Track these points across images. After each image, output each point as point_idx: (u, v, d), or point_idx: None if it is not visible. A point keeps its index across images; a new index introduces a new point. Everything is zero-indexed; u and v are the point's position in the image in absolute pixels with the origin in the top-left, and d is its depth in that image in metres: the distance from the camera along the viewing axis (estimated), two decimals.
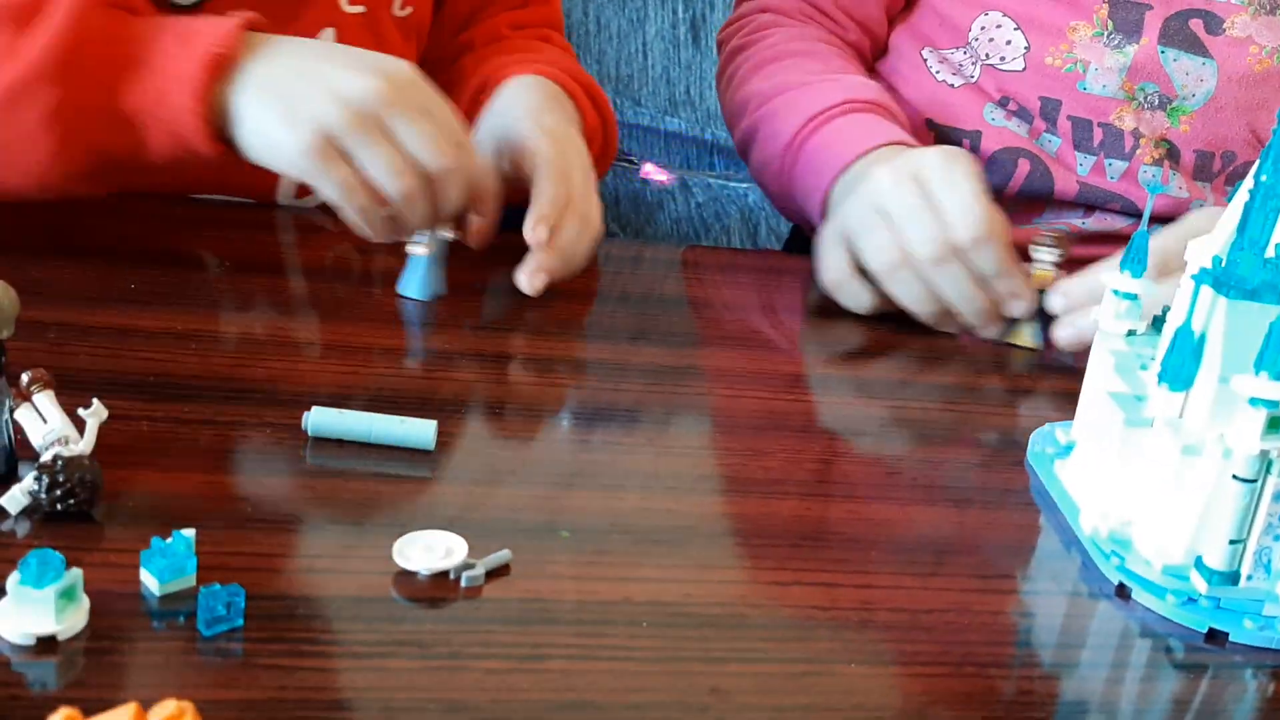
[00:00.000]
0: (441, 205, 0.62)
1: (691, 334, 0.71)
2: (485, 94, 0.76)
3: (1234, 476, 0.47)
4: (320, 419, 0.52)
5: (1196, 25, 0.84)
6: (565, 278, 0.66)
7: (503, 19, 0.91)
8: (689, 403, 0.62)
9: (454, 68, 0.88)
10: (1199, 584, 0.48)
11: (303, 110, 0.58)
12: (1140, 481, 0.51)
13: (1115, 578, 0.50)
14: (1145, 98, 0.85)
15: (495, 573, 0.45)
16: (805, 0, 0.92)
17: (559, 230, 0.65)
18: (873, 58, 0.95)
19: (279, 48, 0.60)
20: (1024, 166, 0.87)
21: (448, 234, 0.65)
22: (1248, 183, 0.50)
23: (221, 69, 0.59)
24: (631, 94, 1.68)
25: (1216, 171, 0.89)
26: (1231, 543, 0.47)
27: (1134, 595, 0.50)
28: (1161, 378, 0.51)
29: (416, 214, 0.61)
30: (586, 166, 0.70)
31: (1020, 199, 0.88)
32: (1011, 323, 0.72)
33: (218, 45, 0.58)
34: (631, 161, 1.73)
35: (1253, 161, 0.90)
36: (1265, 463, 0.46)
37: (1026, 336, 0.72)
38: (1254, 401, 0.45)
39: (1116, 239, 0.87)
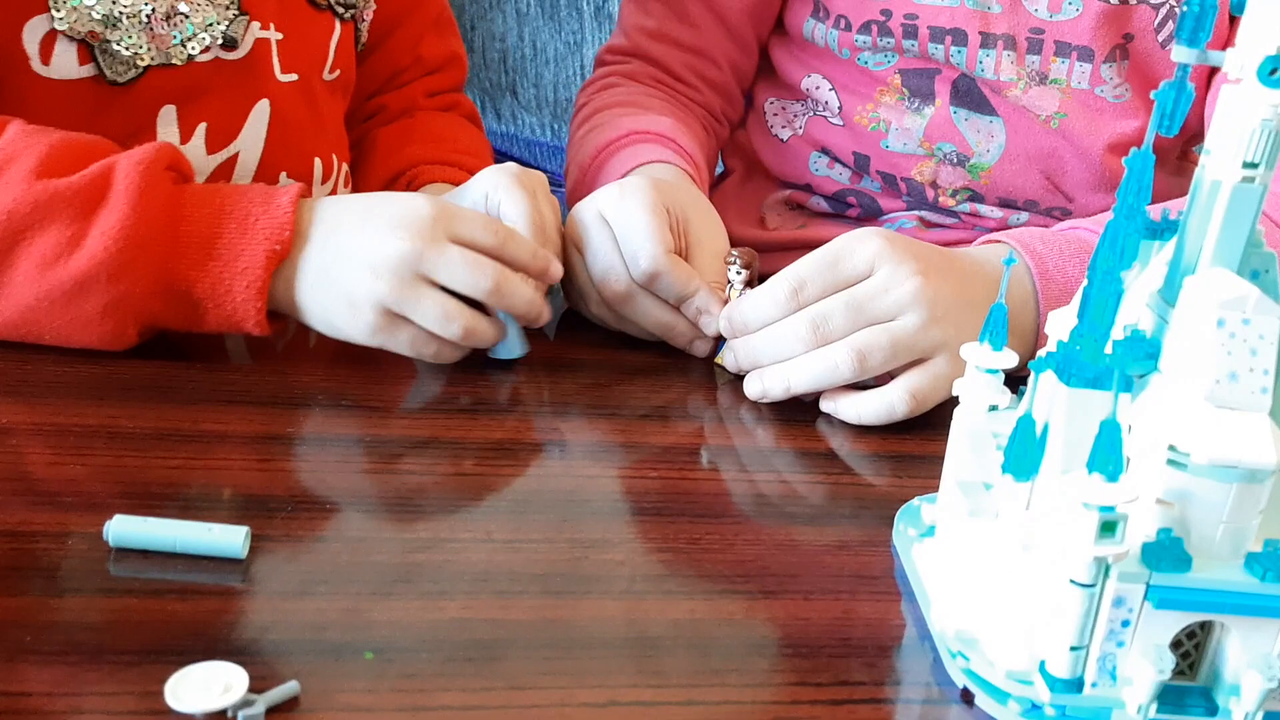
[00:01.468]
0: (514, 304, 0.66)
1: (546, 400, 0.68)
2: (411, 186, 0.83)
3: (1072, 581, 0.44)
4: (122, 529, 0.49)
5: (983, 84, 0.91)
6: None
7: (418, 87, 0.95)
8: (535, 485, 0.59)
9: (367, 131, 0.92)
10: (1042, 691, 0.46)
11: (356, 294, 0.62)
12: (986, 577, 0.48)
13: (960, 680, 0.48)
14: (944, 155, 0.93)
15: (279, 708, 0.42)
16: (655, 65, 0.96)
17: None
18: (735, 116, 1.01)
19: (321, 226, 0.64)
20: (854, 205, 0.97)
21: None
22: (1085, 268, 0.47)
23: (279, 261, 0.62)
24: (570, 118, 1.66)
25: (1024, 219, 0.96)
26: (1073, 649, 0.45)
27: (978, 700, 0.47)
28: (1005, 467, 0.48)
29: (485, 336, 0.66)
30: (549, 195, 0.74)
31: (858, 220, 0.98)
32: (720, 342, 0.72)
33: (276, 238, 0.62)
34: None
35: (1055, 207, 0.94)
36: (1103, 567, 0.44)
37: (727, 359, 0.71)
38: (1087, 504, 0.43)
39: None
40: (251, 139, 0.74)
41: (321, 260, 0.63)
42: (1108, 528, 0.43)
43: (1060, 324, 0.51)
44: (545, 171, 1.76)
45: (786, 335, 0.66)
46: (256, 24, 0.72)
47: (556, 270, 0.68)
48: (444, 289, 0.63)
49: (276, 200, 0.63)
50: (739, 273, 0.72)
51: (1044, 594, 0.45)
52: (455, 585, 0.50)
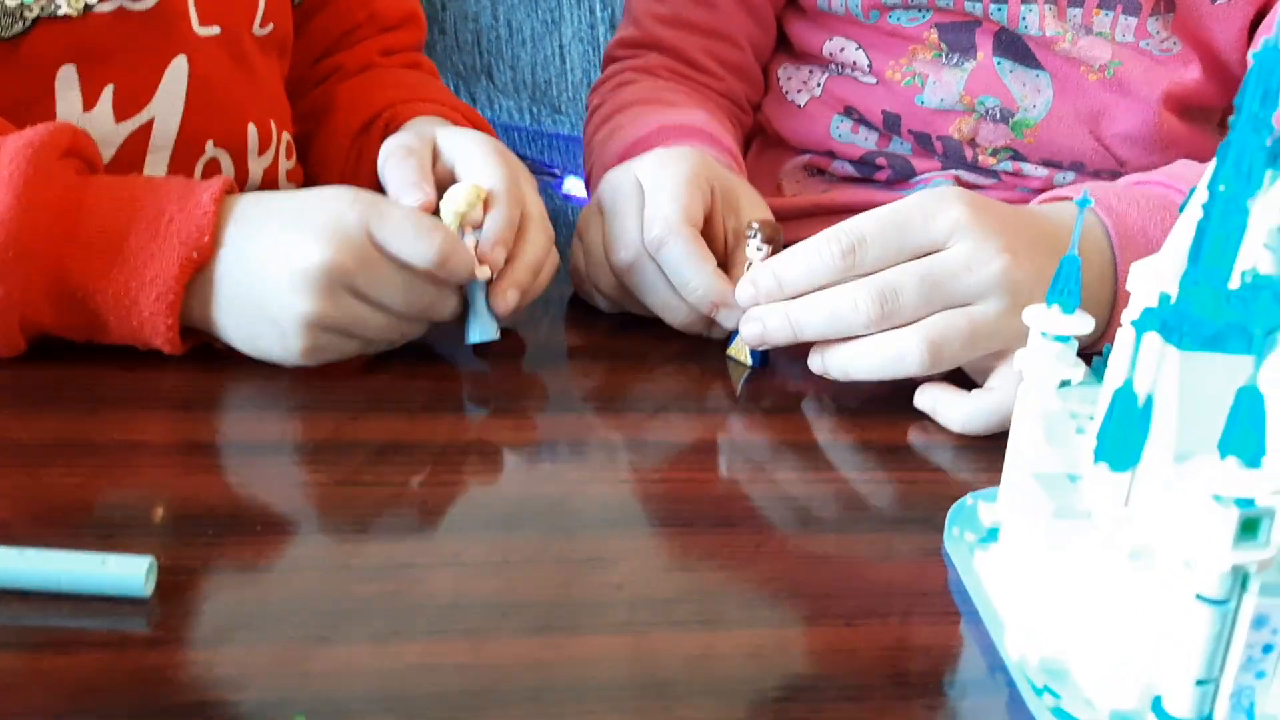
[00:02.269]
0: (446, 307, 0.58)
1: (525, 394, 0.59)
2: (391, 127, 0.73)
3: (1198, 596, 0.34)
4: None
5: (1028, 39, 0.84)
6: (535, 294, 0.62)
7: (373, 44, 0.85)
8: (514, 494, 0.49)
9: (323, 93, 0.82)
10: None
11: (281, 314, 0.54)
12: (1078, 593, 0.39)
13: None
14: (986, 110, 0.85)
15: None
16: (672, 55, 0.89)
17: (521, 245, 0.61)
18: (758, 99, 0.94)
19: (239, 229, 0.54)
20: (884, 167, 0.89)
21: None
22: (1200, 193, 0.37)
23: (195, 269, 0.53)
24: (550, 101, 1.56)
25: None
26: (1199, 683, 0.35)
27: None
28: (1098, 455, 0.38)
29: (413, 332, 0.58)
30: (533, 181, 0.66)
31: (887, 184, 0.89)
32: (734, 333, 0.62)
33: (193, 243, 0.53)
34: (554, 174, 1.61)
35: (1104, 170, 0.84)
36: (1239, 578, 0.34)
37: (744, 351, 0.62)
38: (1219, 498, 0.33)
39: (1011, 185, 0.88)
40: (167, 103, 0.64)
41: (240, 272, 0.54)
42: (1248, 526, 0.33)
43: (1148, 277, 0.41)
44: (525, 159, 1.67)
45: (842, 305, 0.56)
46: None
47: (484, 273, 0.59)
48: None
49: (196, 197, 0.54)
50: (759, 248, 0.60)
51: (1158, 613, 0.36)
52: (415, 623, 0.40)
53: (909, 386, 0.59)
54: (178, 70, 0.64)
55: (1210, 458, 0.33)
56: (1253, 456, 0.33)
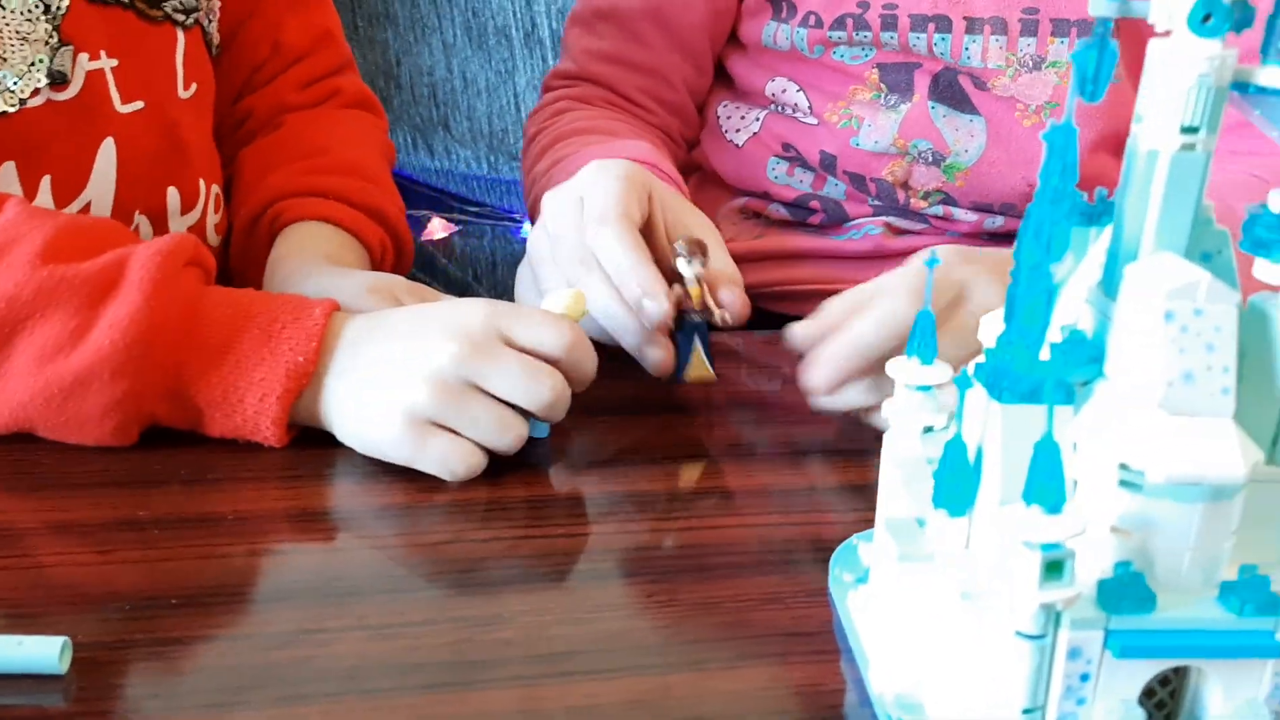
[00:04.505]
0: (564, 408, 0.58)
1: None
2: (276, 225, 0.75)
3: (1017, 633, 0.37)
4: None
5: (965, 81, 0.86)
6: None
7: (286, 80, 0.85)
8: (414, 556, 0.52)
9: (235, 151, 0.82)
10: None
11: (389, 400, 0.55)
12: (925, 631, 0.42)
13: None
14: (919, 153, 0.88)
15: None
16: (607, 89, 0.91)
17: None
18: (692, 136, 0.96)
19: (356, 334, 0.58)
20: (817, 210, 0.92)
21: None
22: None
23: (304, 377, 0.56)
24: (507, 149, 1.60)
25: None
26: (1026, 712, 0.38)
27: None
28: (936, 501, 0.41)
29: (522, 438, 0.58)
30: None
31: (821, 228, 0.93)
32: (683, 357, 0.63)
33: (302, 352, 0.56)
34: (514, 219, 1.64)
35: None
36: (1053, 614, 0.37)
37: (704, 363, 0.64)
38: (1030, 543, 0.36)
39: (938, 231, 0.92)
40: (101, 183, 0.67)
41: (360, 371, 0.56)
42: (1053, 568, 0.36)
43: (993, 330, 0.44)
44: (484, 205, 1.70)
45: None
46: (85, 55, 0.65)
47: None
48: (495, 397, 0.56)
49: (309, 310, 0.57)
50: (689, 263, 0.62)
51: (989, 648, 0.39)
52: (316, 686, 0.43)
53: (805, 430, 0.62)
54: (107, 151, 0.67)
55: (1017, 508, 0.36)
56: (1054, 503, 0.36)
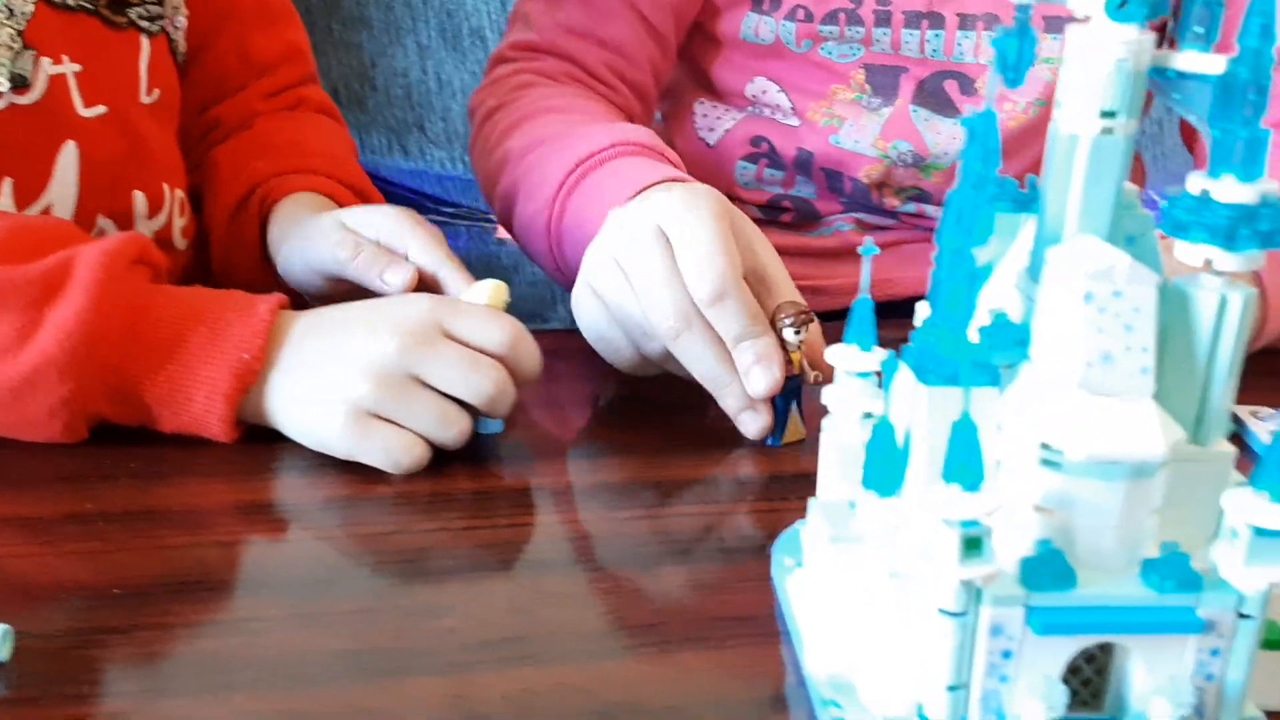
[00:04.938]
0: (508, 402, 0.58)
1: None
2: (266, 203, 0.75)
3: (940, 610, 0.38)
4: None
5: (951, 86, 0.86)
6: None
7: (253, 91, 0.85)
8: (356, 546, 0.52)
9: (205, 155, 0.83)
10: None
11: (331, 393, 0.56)
12: (856, 612, 0.42)
13: None
14: (899, 155, 0.88)
15: None
16: (571, 63, 0.87)
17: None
18: (645, 124, 0.92)
19: (301, 330, 0.58)
20: (789, 209, 0.92)
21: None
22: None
23: (250, 375, 0.57)
24: None
25: None
26: (951, 689, 0.38)
27: None
28: (865, 482, 0.42)
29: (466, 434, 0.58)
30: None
31: (791, 226, 0.93)
32: (781, 420, 0.61)
33: (248, 350, 0.56)
34: (489, 220, 1.64)
35: None
36: (974, 591, 0.37)
37: (799, 428, 0.62)
38: (952, 522, 0.36)
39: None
40: (62, 187, 0.67)
41: (302, 366, 0.57)
42: (971, 545, 0.36)
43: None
44: (459, 206, 1.70)
45: None
46: (47, 60, 0.65)
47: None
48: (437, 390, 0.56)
49: (255, 308, 0.58)
50: (796, 332, 0.60)
51: (915, 627, 0.39)
52: (247, 674, 0.43)
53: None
54: (69, 154, 0.68)
55: (938, 487, 0.37)
56: (972, 482, 0.36)
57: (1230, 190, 0.38)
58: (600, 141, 0.72)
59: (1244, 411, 0.67)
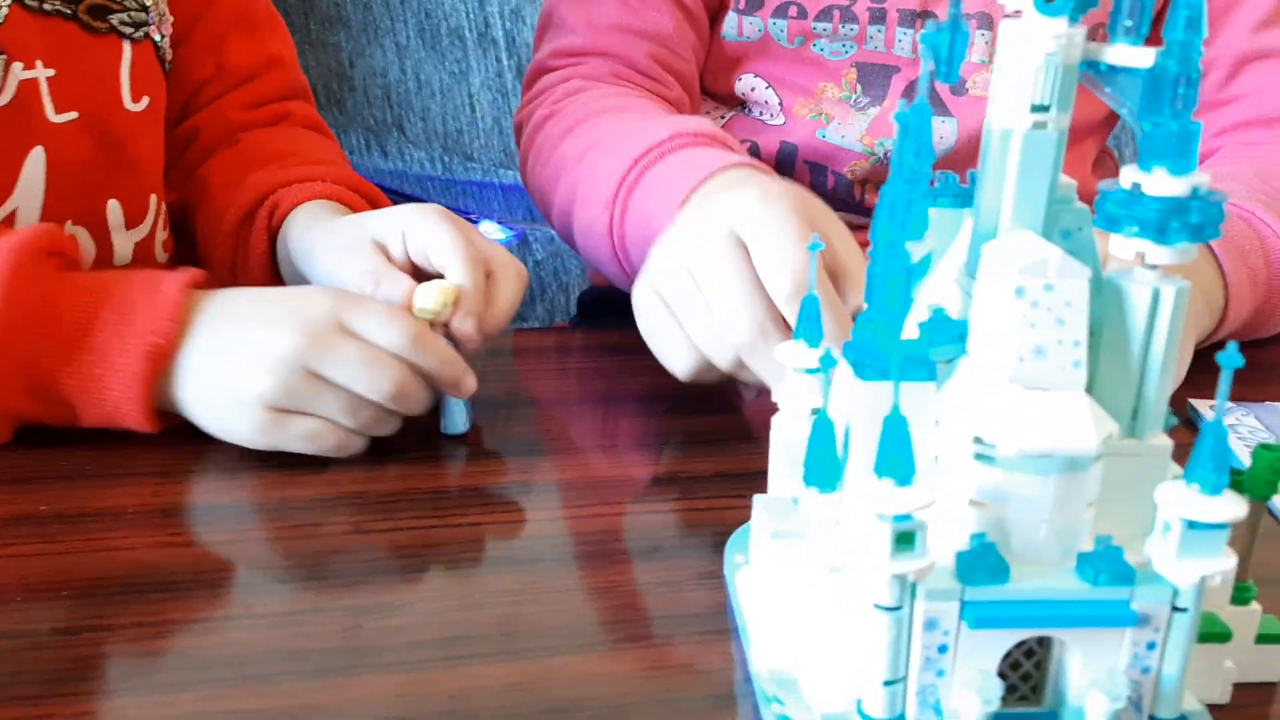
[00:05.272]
0: (419, 400, 0.59)
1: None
2: (276, 216, 0.73)
3: (875, 605, 0.38)
4: None
5: (942, 87, 0.85)
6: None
7: (231, 100, 0.84)
8: (310, 546, 0.52)
9: (189, 164, 0.81)
10: None
11: (241, 391, 0.56)
12: (798, 607, 0.42)
13: None
14: (885, 153, 0.87)
15: None
16: (618, 60, 0.85)
17: (492, 303, 0.62)
18: (696, 112, 0.91)
19: (208, 317, 0.58)
20: None
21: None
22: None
23: (162, 359, 0.56)
24: (462, 149, 1.60)
25: None
26: (887, 684, 0.39)
27: None
28: (806, 478, 0.42)
29: (385, 426, 0.59)
30: (470, 226, 0.66)
31: None
32: None
33: (157, 333, 0.56)
34: (470, 219, 1.64)
35: None
36: (909, 586, 0.37)
37: None
38: (884, 517, 0.37)
39: None
40: (28, 192, 0.67)
41: (206, 356, 0.57)
42: (903, 539, 0.36)
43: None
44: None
45: None
46: (19, 64, 0.65)
47: (469, 384, 0.60)
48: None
49: (161, 288, 0.57)
50: None
51: (853, 622, 0.39)
52: (199, 674, 0.43)
53: (715, 419, 0.62)
54: (36, 160, 0.67)
55: (870, 481, 0.37)
56: (903, 476, 0.36)
57: (1161, 183, 0.38)
58: (659, 135, 0.70)
59: (1203, 405, 0.68)
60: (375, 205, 0.77)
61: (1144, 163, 0.38)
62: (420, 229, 0.62)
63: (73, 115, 0.69)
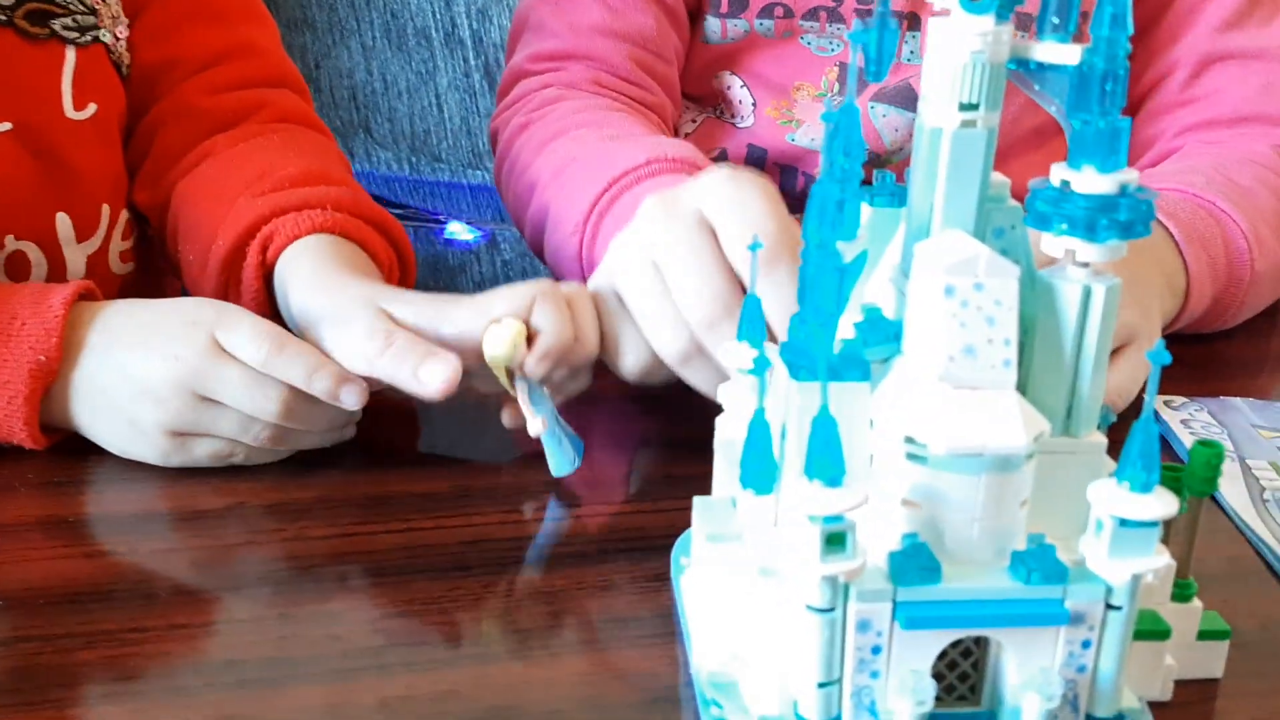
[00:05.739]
0: (310, 428, 0.57)
1: None
2: (270, 252, 0.65)
3: (808, 607, 0.37)
4: None
5: (917, 83, 0.85)
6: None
7: (191, 86, 0.78)
8: (246, 552, 0.52)
9: (162, 161, 0.77)
10: None
11: (139, 420, 0.55)
12: (735, 610, 0.42)
13: None
14: None
15: None
16: (599, 65, 0.82)
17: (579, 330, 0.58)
18: (678, 115, 0.89)
19: (97, 337, 0.56)
20: None
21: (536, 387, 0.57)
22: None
23: (47, 376, 0.55)
24: (430, 150, 1.59)
25: None
26: (822, 686, 0.38)
27: None
28: (742, 480, 0.42)
29: (296, 440, 0.57)
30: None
31: None
32: None
33: (41, 347, 0.55)
34: (438, 220, 1.63)
35: None
36: (841, 587, 0.37)
37: None
38: (814, 519, 0.36)
39: None
40: None
41: (98, 379, 0.56)
42: (834, 541, 0.36)
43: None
44: (407, 207, 1.69)
45: None
46: None
47: (350, 398, 0.55)
48: None
49: (47, 301, 0.56)
50: None
51: (788, 624, 0.39)
52: (125, 686, 0.43)
53: (668, 421, 0.62)
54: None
55: (801, 483, 0.37)
56: (833, 477, 0.36)
57: (1089, 181, 0.38)
58: (636, 158, 0.68)
59: (1158, 401, 0.68)
60: (382, 230, 0.69)
61: (1073, 160, 0.38)
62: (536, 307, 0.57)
63: (6, 126, 0.67)
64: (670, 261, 0.55)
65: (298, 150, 0.74)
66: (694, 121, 0.91)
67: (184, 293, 0.88)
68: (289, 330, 0.58)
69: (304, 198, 0.67)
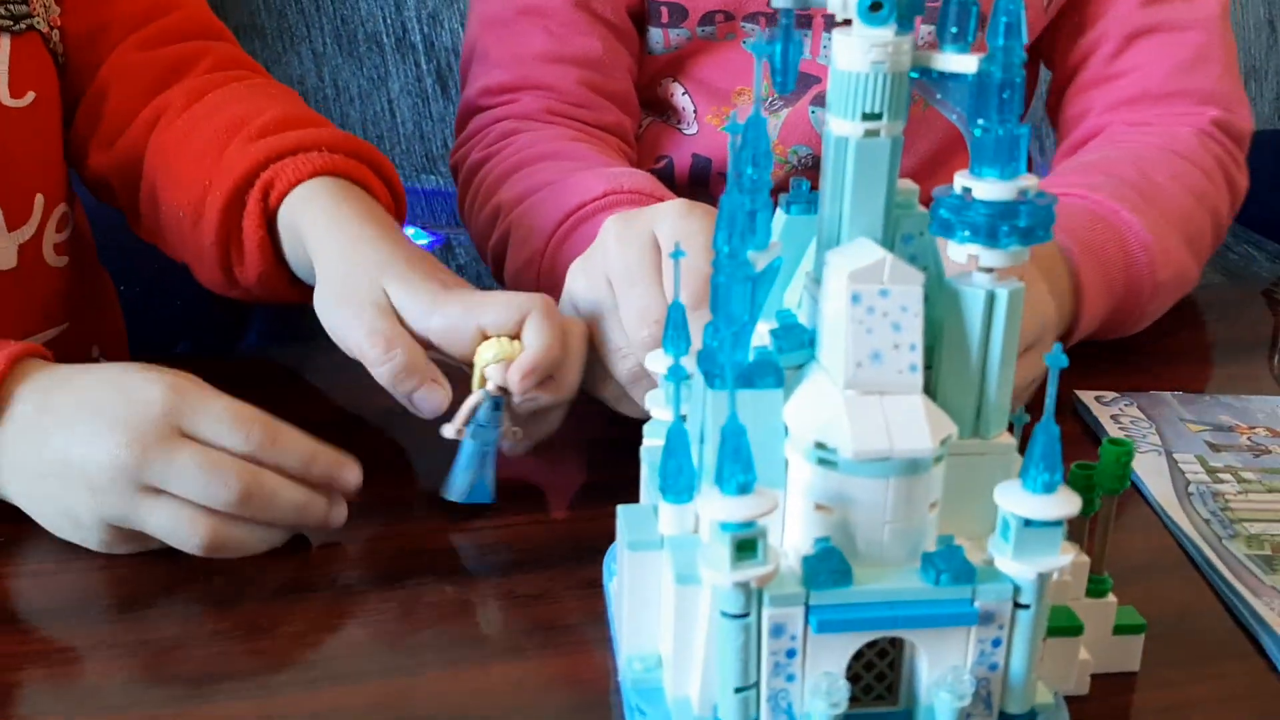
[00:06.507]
0: (274, 515, 0.51)
1: None
2: (273, 195, 0.64)
3: (721, 613, 0.38)
4: None
5: None
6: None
7: (127, 45, 0.76)
8: (184, 571, 0.52)
9: (115, 123, 0.75)
10: None
11: (76, 511, 0.50)
12: (656, 617, 0.42)
13: None
14: (799, 160, 0.86)
15: None
16: (549, 92, 0.82)
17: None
18: (635, 128, 0.88)
19: (28, 407, 0.51)
20: None
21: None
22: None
23: None
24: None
25: None
26: (738, 690, 0.39)
27: None
28: (661, 488, 0.42)
29: (241, 543, 0.51)
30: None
31: None
32: None
33: None
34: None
35: None
36: (753, 594, 0.38)
37: None
38: (724, 526, 0.37)
39: None
40: None
41: (31, 457, 0.51)
42: (745, 547, 0.37)
43: None
44: None
45: None
46: None
47: (348, 479, 0.53)
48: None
49: None
50: None
51: (706, 630, 0.39)
52: (51, 705, 0.43)
53: (607, 427, 0.62)
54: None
55: (712, 493, 0.37)
56: (742, 485, 0.37)
57: (990, 188, 0.38)
58: (594, 189, 0.68)
59: (1088, 396, 0.69)
60: (375, 168, 0.68)
61: (974, 168, 0.39)
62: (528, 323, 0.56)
63: None
64: (620, 281, 0.56)
65: (268, 96, 0.72)
66: (639, 126, 0.91)
67: (121, 292, 0.87)
68: (298, 279, 0.59)
69: (297, 140, 0.65)
